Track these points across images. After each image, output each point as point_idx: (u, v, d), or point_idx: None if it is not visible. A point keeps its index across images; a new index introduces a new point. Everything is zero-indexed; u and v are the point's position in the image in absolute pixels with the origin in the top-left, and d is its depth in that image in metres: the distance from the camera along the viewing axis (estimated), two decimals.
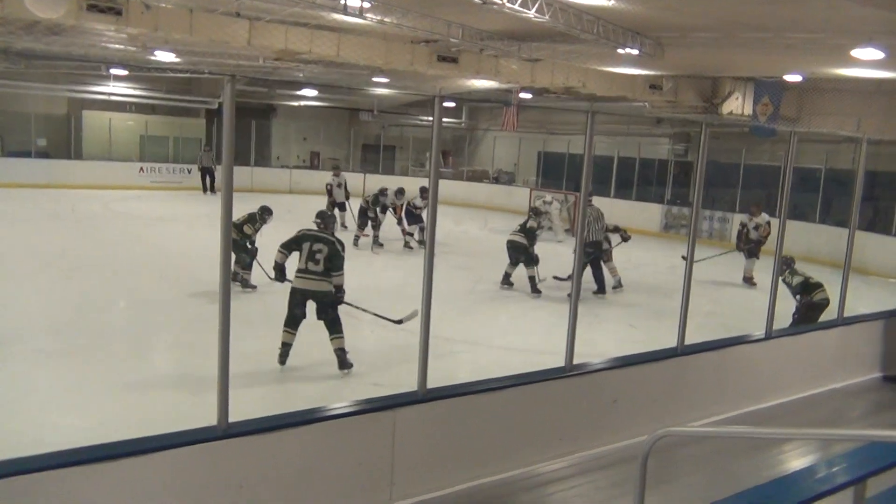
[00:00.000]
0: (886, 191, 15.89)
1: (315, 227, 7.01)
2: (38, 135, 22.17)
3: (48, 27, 12.86)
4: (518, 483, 4.87)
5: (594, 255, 10.59)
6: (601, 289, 10.71)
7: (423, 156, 27.34)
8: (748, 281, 12.32)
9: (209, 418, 3.83)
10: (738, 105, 17.38)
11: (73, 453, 3.53)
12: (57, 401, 5.91)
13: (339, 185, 16.08)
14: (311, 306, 6.78)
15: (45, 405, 5.78)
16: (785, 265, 8.34)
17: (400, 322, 7.29)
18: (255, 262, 9.90)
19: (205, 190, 22.11)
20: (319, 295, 6.71)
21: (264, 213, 10.22)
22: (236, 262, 9.58)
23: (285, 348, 6.79)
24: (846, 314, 7.42)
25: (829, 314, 8.08)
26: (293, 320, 6.77)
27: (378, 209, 14.11)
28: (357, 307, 7.44)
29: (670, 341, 5.94)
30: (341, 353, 6.80)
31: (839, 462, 4.44)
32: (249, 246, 9.91)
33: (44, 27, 12.92)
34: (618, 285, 11.10)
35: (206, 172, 22.25)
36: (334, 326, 6.79)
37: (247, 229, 9.87)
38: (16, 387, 6.11)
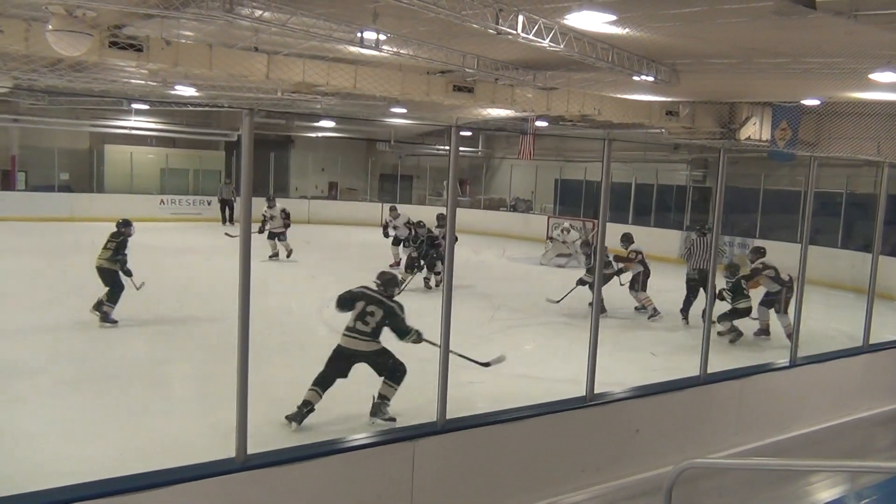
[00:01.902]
0: None
1: (374, 287, 6.44)
2: (61, 169, 22.54)
3: (71, 64, 13.12)
4: None
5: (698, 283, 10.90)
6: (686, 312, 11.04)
7: (441, 184, 27.43)
8: (763, 332, 10.06)
9: (228, 450, 3.81)
10: (755, 130, 17.34)
11: (94, 486, 3.52)
12: (77, 431, 5.91)
13: (395, 226, 14.84)
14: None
15: (65, 436, 5.79)
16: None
17: (487, 365, 6.73)
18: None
19: (224, 221, 22.32)
20: (371, 355, 6.16)
21: (122, 227, 9.94)
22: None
23: (307, 407, 6.04)
24: (872, 341, 7.29)
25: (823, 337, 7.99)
26: (326, 380, 6.13)
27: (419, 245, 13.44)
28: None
29: (692, 370, 5.86)
30: (382, 402, 6.24)
31: (868, 494, 4.34)
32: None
33: (67, 64, 13.18)
34: (653, 314, 11.24)
35: (226, 205, 22.55)
36: (394, 375, 6.24)
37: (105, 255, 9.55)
38: (37, 418, 6.13)
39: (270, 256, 15.26)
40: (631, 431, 5.40)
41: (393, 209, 15.07)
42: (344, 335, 6.21)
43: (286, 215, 15.38)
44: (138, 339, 9.12)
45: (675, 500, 3.44)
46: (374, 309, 6.17)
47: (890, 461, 6.15)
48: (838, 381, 7.04)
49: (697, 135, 18.39)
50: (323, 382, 6.14)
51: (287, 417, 6.00)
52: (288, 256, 15.40)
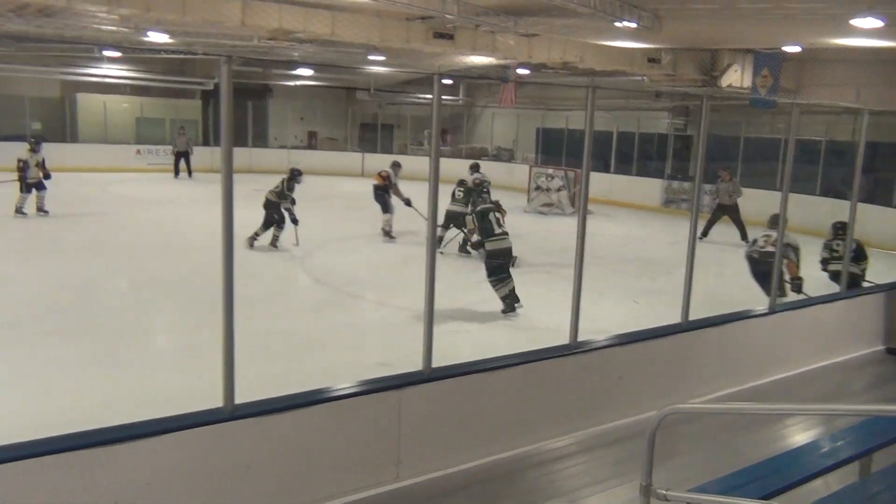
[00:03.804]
0: (887, 162, 15.84)
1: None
2: (33, 118, 22.04)
3: (39, 9, 12.69)
4: (525, 460, 4.88)
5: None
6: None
7: (421, 134, 27.21)
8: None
9: (215, 400, 3.82)
10: (737, 77, 17.25)
11: (77, 436, 3.51)
12: (59, 382, 5.89)
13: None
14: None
15: (47, 387, 5.77)
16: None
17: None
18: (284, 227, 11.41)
19: (176, 174, 21.23)
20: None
21: (295, 175, 11.64)
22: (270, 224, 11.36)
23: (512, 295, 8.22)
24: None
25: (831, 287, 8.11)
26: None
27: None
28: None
29: (673, 317, 5.93)
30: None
31: (843, 436, 4.45)
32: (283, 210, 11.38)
33: (34, 9, 12.75)
34: None
35: (182, 156, 21.35)
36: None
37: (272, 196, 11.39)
38: (17, 369, 6.10)
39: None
40: (614, 378, 5.48)
41: (396, 165, 13.76)
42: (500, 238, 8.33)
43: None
44: (121, 291, 9.07)
45: (657, 444, 3.50)
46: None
47: (864, 405, 6.31)
48: (815, 327, 7.16)
49: (679, 82, 18.26)
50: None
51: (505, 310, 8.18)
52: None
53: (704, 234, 13.71)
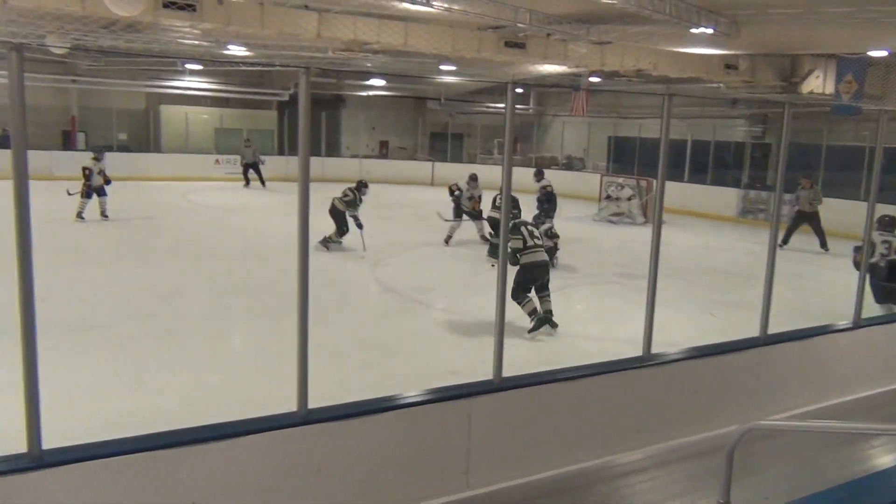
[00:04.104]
0: None
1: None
2: (120, 129, 23.04)
3: (127, 24, 13.27)
4: (595, 474, 4.81)
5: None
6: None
7: (491, 143, 27.23)
8: None
9: (289, 404, 3.90)
10: (818, 84, 16.66)
11: (159, 437, 3.63)
12: (142, 384, 6.11)
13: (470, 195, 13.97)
14: None
15: (130, 388, 5.98)
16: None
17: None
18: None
19: (247, 183, 21.44)
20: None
21: (360, 188, 12.17)
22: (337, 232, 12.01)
23: (535, 314, 7.67)
24: None
25: None
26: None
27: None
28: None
29: (751, 330, 5.76)
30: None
31: None
32: (349, 220, 11.94)
33: (123, 25, 13.34)
34: None
35: (250, 168, 21.51)
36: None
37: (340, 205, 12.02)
38: (102, 371, 6.35)
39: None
40: (689, 392, 5.35)
41: (474, 178, 13.64)
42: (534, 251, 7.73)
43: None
44: (200, 296, 9.35)
45: (735, 460, 3.41)
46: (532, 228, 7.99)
47: None
48: None
49: (757, 89, 17.77)
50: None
51: (532, 331, 7.59)
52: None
53: (784, 241, 13.37)
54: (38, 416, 3.25)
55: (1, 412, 4.07)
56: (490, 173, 21.51)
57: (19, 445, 3.26)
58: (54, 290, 8.18)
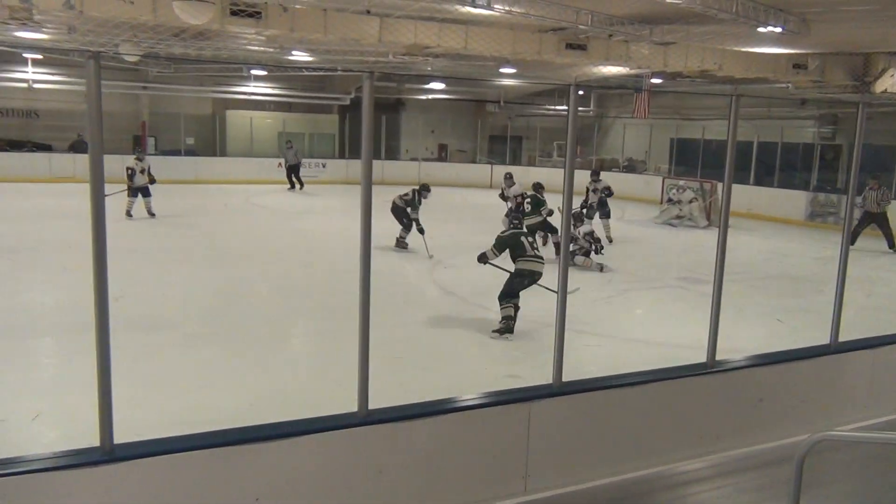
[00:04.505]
0: None
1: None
2: (187, 134, 23.72)
3: (197, 32, 13.66)
4: (656, 481, 4.73)
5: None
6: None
7: (550, 145, 27.05)
8: None
9: (349, 404, 3.95)
10: (892, 83, 16.05)
11: (224, 434, 3.73)
12: (208, 382, 6.27)
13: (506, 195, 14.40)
14: None
15: (197, 387, 6.14)
16: None
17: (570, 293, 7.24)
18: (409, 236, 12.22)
19: (292, 186, 21.65)
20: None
21: (422, 191, 12.34)
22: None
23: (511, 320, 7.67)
24: None
25: None
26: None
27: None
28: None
29: (821, 337, 5.58)
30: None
31: None
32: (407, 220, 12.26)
33: (192, 33, 13.74)
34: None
35: (292, 170, 21.69)
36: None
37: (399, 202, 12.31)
38: (170, 370, 6.54)
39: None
40: (754, 400, 5.21)
41: (508, 176, 14.32)
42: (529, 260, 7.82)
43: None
44: (263, 296, 9.55)
45: (803, 471, 3.31)
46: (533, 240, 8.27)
47: None
48: None
49: (828, 89, 17.21)
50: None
51: (496, 331, 7.60)
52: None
53: (851, 242, 12.92)
54: (111, 412, 3.37)
55: (76, 407, 4.24)
56: (549, 175, 21.40)
57: (92, 440, 3.38)
58: (125, 290, 8.46)
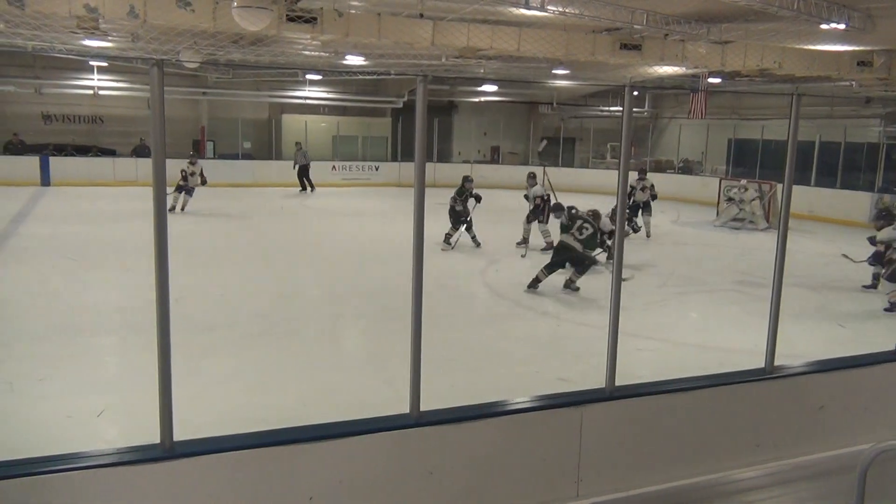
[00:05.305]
0: None
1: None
2: (245, 138, 24.22)
3: (255, 38, 13.96)
4: (711, 489, 4.64)
5: None
6: None
7: (604, 147, 26.79)
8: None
9: (401, 406, 3.98)
10: None
11: (278, 433, 3.79)
12: (263, 382, 6.37)
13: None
14: None
15: (251, 386, 6.25)
16: None
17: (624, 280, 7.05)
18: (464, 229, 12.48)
19: (303, 188, 21.79)
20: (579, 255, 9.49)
21: (464, 182, 12.69)
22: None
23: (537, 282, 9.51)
24: None
25: None
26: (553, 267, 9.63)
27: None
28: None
29: (885, 344, 5.41)
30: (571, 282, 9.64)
31: None
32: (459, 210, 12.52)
33: (250, 39, 14.04)
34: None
35: (303, 172, 21.84)
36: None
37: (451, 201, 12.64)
38: (227, 369, 6.68)
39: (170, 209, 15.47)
40: (814, 408, 5.07)
41: (531, 176, 13.50)
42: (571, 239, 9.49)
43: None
44: (316, 297, 9.68)
45: (867, 482, 3.21)
46: (587, 226, 9.58)
47: None
48: None
49: (894, 87, 16.66)
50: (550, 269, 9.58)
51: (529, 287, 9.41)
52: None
53: None
54: (171, 410, 3.46)
55: (137, 405, 4.36)
56: (602, 177, 21.16)
57: (153, 437, 3.49)
58: (185, 291, 8.68)
